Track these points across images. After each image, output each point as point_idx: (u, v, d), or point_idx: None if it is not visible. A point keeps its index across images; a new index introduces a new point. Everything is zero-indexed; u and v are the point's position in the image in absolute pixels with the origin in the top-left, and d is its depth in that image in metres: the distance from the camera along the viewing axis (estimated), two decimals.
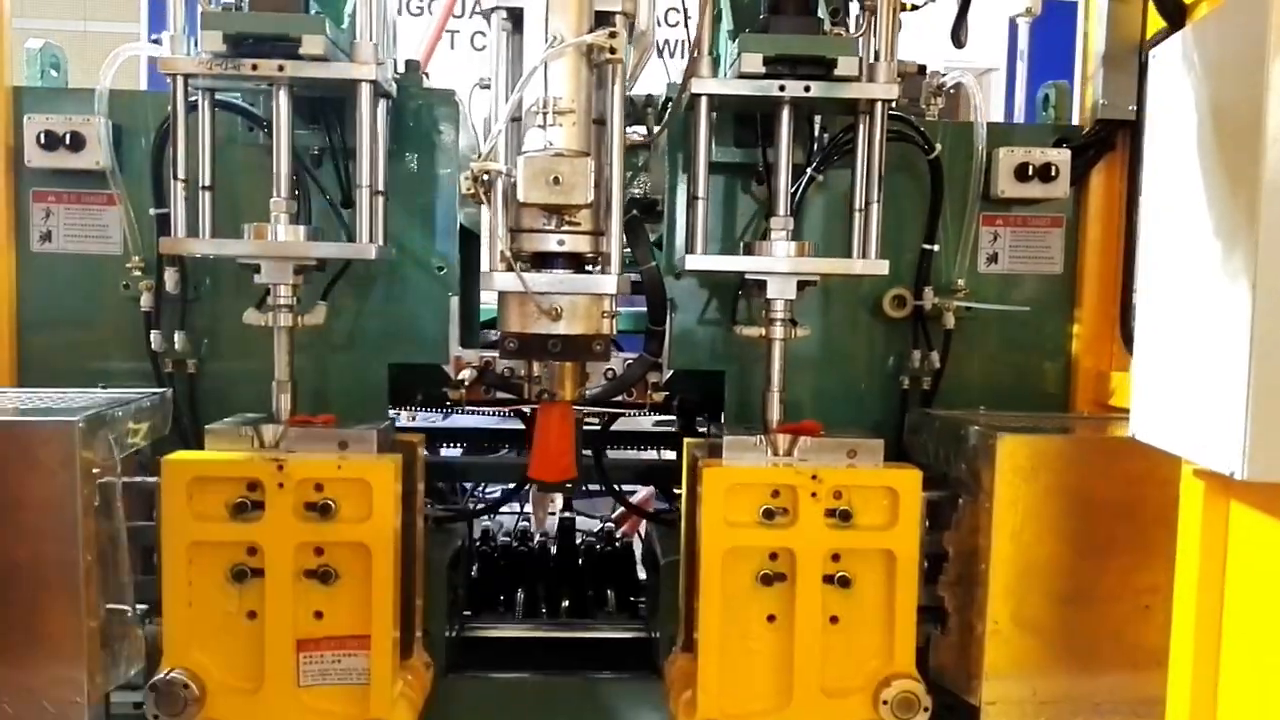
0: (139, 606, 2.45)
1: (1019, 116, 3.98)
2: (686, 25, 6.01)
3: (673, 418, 4.11)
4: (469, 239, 3.01)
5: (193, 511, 2.38)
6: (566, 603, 3.65)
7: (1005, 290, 3.10)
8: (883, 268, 2.57)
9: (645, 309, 2.80)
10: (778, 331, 2.60)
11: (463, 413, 4.56)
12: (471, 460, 4.66)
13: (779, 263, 2.53)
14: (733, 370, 3.02)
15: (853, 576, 2.48)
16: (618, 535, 4.46)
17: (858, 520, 2.47)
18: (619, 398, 2.98)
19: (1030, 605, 2.36)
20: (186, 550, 2.38)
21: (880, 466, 2.52)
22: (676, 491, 4.28)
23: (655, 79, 3.11)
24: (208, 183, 2.56)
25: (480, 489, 4.84)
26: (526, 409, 3.17)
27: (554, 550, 4.06)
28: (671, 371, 3.00)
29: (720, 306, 3.02)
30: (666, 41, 6.00)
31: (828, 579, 2.47)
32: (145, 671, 2.47)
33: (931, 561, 2.56)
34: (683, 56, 6.08)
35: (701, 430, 3.77)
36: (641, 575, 4.04)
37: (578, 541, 4.12)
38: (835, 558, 2.48)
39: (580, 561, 3.99)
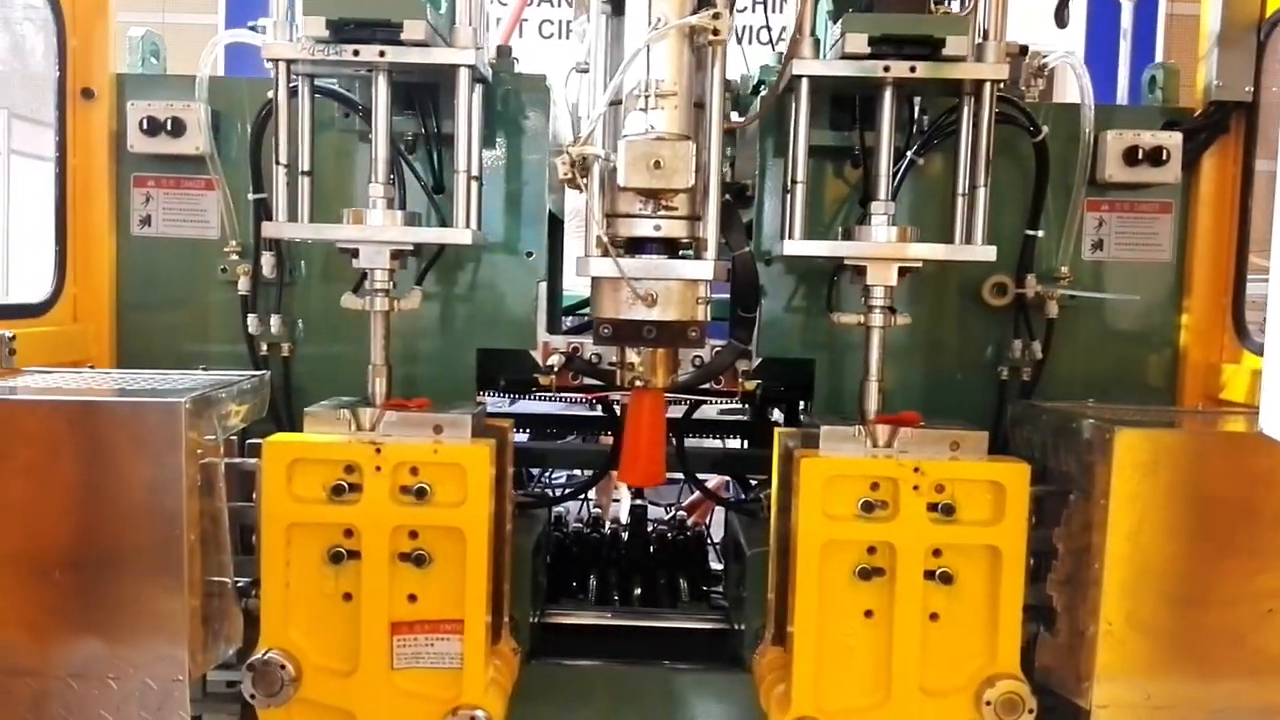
0: (238, 583, 2.48)
1: (1120, 100, 3.83)
2: (765, 10, 5.97)
3: (741, 406, 4.07)
4: (552, 225, 2.99)
5: (291, 493, 2.40)
6: (639, 591, 3.65)
7: (1110, 278, 3.00)
8: (990, 254, 2.49)
9: (729, 296, 2.77)
10: (876, 319, 2.54)
11: (530, 398, 4.58)
12: (550, 446, 4.67)
13: (883, 248, 2.47)
14: (823, 359, 2.97)
15: (955, 573, 2.41)
16: (689, 523, 4.42)
17: (961, 515, 2.40)
18: (707, 385, 2.94)
19: (1146, 606, 2.27)
20: (285, 531, 2.40)
21: (985, 459, 2.45)
22: (753, 480, 4.31)
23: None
24: (307, 168, 2.57)
25: (549, 474, 4.86)
26: (613, 396, 3.15)
27: (625, 537, 4.06)
28: (759, 360, 2.96)
29: (808, 293, 2.97)
30: (746, 27, 5.94)
31: (929, 575, 2.41)
32: (240, 652, 2.51)
33: (1037, 559, 2.48)
34: (753, 43, 6.05)
35: (774, 422, 3.74)
36: (714, 565, 4.04)
37: (649, 529, 4.12)
38: (937, 553, 2.41)
39: (652, 549, 3.99)
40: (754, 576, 2.95)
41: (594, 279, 2.46)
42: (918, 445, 2.47)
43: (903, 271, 2.51)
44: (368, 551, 2.40)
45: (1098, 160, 2.88)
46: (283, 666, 2.39)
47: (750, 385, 2.72)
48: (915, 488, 2.38)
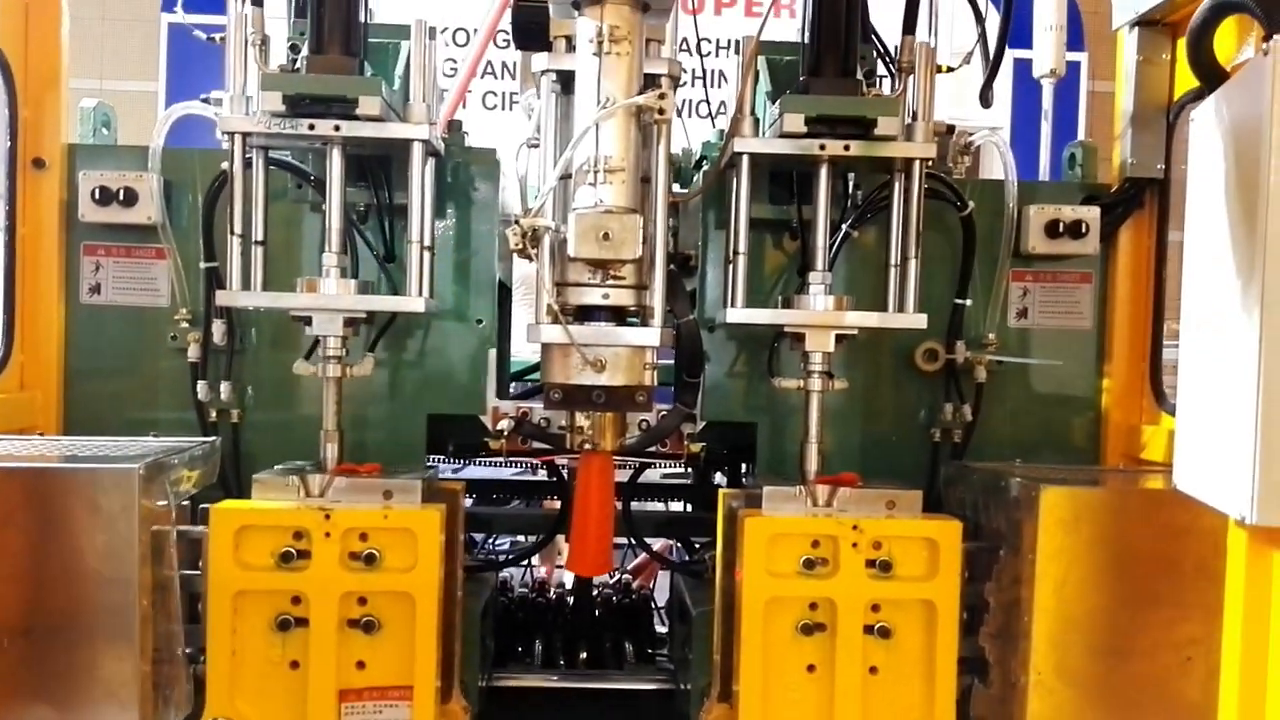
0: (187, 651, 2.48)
1: (1042, 175, 4.05)
2: (705, 85, 6.17)
3: (683, 470, 4.14)
4: (501, 293, 3.07)
5: (239, 560, 2.41)
6: (585, 654, 3.66)
7: (1034, 345, 3.15)
8: (921, 321, 2.62)
9: (673, 362, 2.86)
10: (815, 384, 2.65)
11: (476, 464, 4.62)
12: (495, 511, 4.69)
13: (820, 316, 2.58)
14: (764, 422, 3.07)
15: (893, 627, 2.50)
16: (634, 586, 4.45)
17: (898, 571, 2.50)
18: (653, 448, 3.02)
19: (1073, 657, 2.38)
20: (232, 599, 2.41)
21: (919, 517, 2.55)
22: (697, 543, 4.36)
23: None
24: (260, 238, 2.63)
25: (493, 540, 4.87)
26: (560, 460, 3.21)
27: (571, 601, 4.07)
28: (704, 423, 3.05)
29: (750, 359, 3.07)
30: (686, 101, 6.14)
31: (868, 629, 2.49)
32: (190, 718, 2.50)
33: (970, 613, 2.57)
34: (693, 116, 6.23)
35: (717, 484, 3.82)
36: (660, 627, 4.07)
37: (594, 593, 4.14)
38: (875, 608, 2.50)
39: (597, 613, 4.00)
40: (699, 635, 3.00)
41: (544, 345, 2.53)
42: (856, 504, 2.57)
43: (839, 338, 2.63)
44: (316, 618, 2.42)
45: (1021, 233, 3.04)
46: None
47: (695, 448, 2.81)
48: (854, 545, 2.47)
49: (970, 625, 2.58)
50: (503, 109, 7.25)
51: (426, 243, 2.65)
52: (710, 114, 5.28)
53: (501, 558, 4.20)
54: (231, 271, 2.59)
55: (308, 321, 2.59)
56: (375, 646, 2.46)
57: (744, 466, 3.76)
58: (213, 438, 2.85)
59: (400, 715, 2.47)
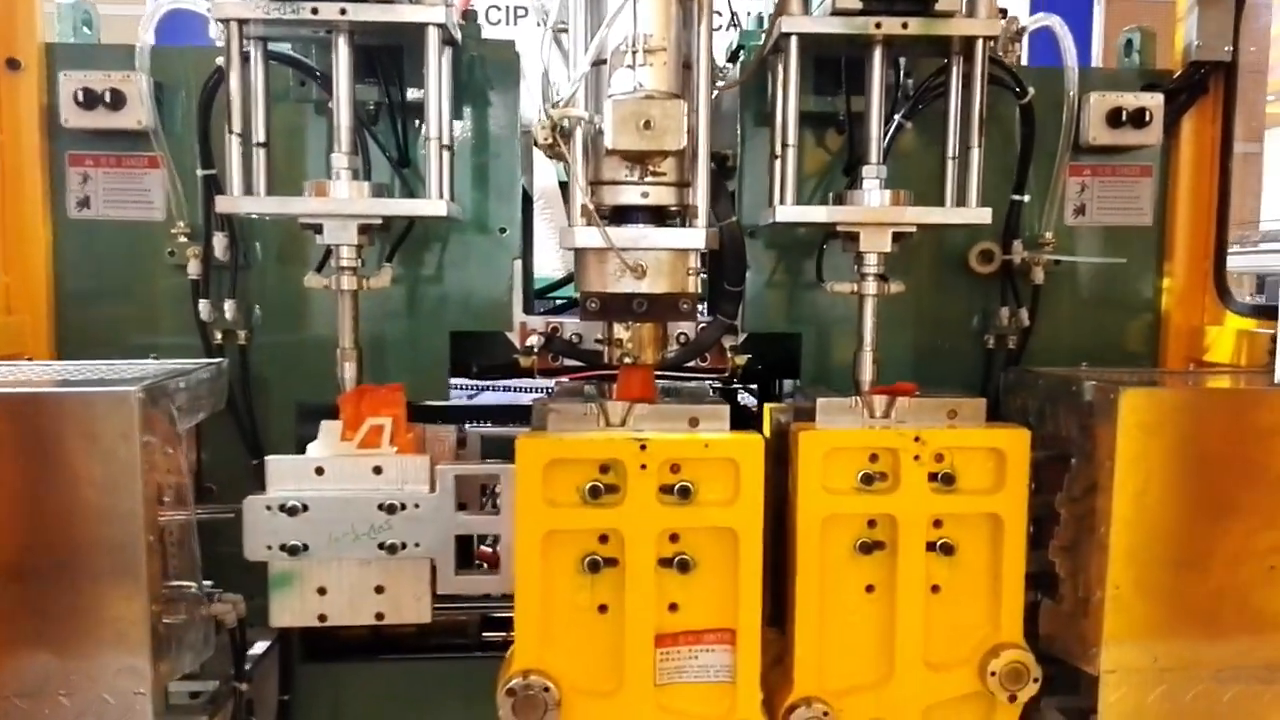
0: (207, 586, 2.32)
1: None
2: None
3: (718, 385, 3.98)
4: (523, 204, 2.86)
5: (548, 498, 2.20)
6: None
7: (1093, 243, 2.95)
8: (985, 216, 2.42)
9: (710, 271, 2.66)
10: (870, 287, 2.45)
11: (496, 389, 4.43)
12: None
13: (877, 213, 2.38)
14: (809, 333, 2.88)
15: (956, 543, 2.35)
16: None
17: (961, 484, 2.33)
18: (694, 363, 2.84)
19: (1152, 570, 2.22)
20: (542, 541, 2.20)
21: (984, 426, 2.38)
22: None
23: None
24: (263, 139, 2.41)
25: None
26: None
27: None
28: (745, 335, 2.86)
29: (791, 267, 2.88)
30: None
31: (930, 546, 2.34)
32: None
33: (1035, 525, 2.41)
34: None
35: (744, 405, 3.65)
36: None
37: None
38: (937, 524, 2.35)
39: None
40: None
41: (578, 251, 2.33)
42: (915, 415, 2.40)
43: (896, 238, 2.43)
44: (631, 558, 2.21)
45: (1081, 123, 2.82)
46: (545, 689, 2.22)
47: (740, 360, 2.61)
48: (915, 458, 2.30)
49: (1036, 539, 2.42)
50: (507, 23, 6.89)
51: (446, 141, 2.43)
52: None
53: None
54: (231, 176, 2.37)
55: (318, 230, 2.37)
56: (690, 587, 2.26)
57: (776, 384, 3.59)
58: (218, 359, 2.66)
59: (720, 661, 2.28)
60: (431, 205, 2.38)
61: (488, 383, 4.40)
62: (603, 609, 2.26)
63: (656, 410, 2.32)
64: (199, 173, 2.69)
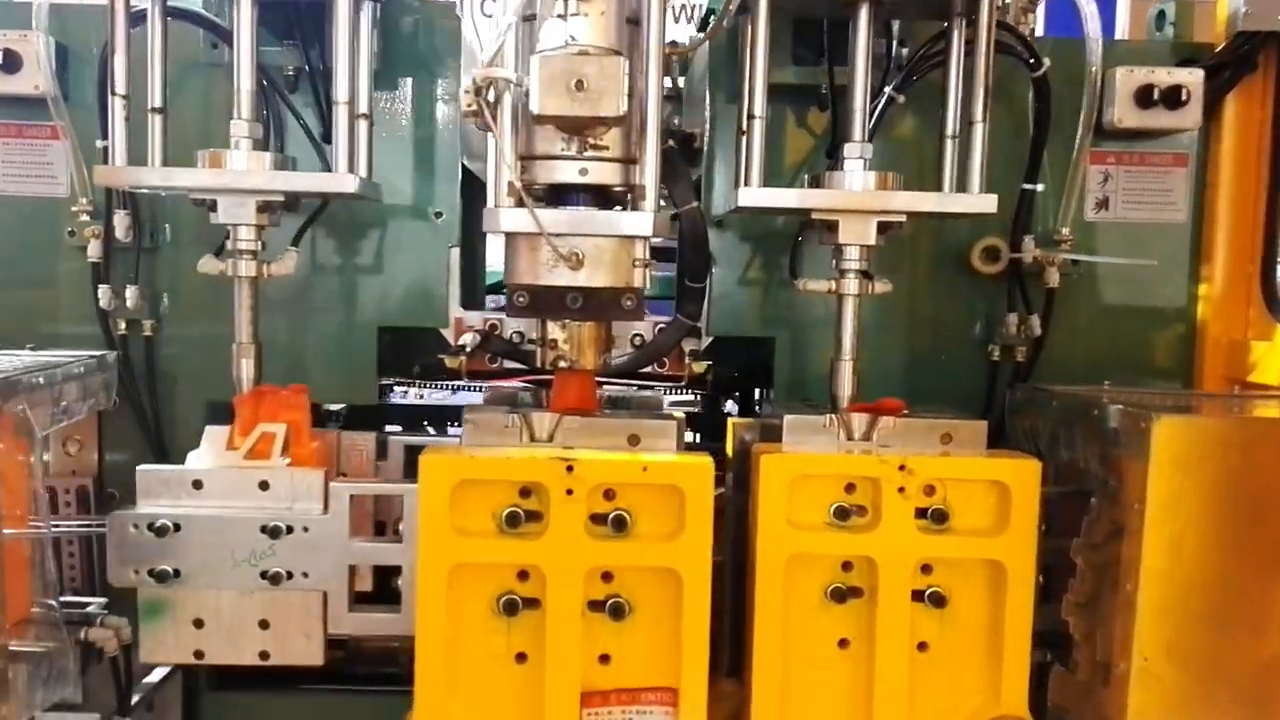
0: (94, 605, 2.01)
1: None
2: None
3: (691, 397, 3.64)
4: (472, 186, 2.53)
5: (456, 525, 1.86)
6: None
7: (1117, 242, 2.58)
8: (989, 204, 2.06)
9: (674, 268, 2.33)
10: (851, 285, 2.10)
11: (443, 388, 4.08)
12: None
13: (860, 198, 2.03)
14: (783, 337, 2.54)
15: (948, 593, 1.99)
16: None
17: (956, 522, 1.97)
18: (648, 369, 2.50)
19: (1189, 633, 1.84)
20: (448, 574, 1.86)
21: (984, 454, 2.02)
22: None
23: None
24: (158, 104, 2.10)
25: None
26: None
27: None
28: (710, 339, 2.52)
29: (766, 263, 2.54)
30: None
31: (917, 595, 1.98)
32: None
33: (1045, 574, 2.05)
34: None
35: (728, 413, 3.30)
36: None
37: None
38: (926, 569, 1.99)
39: None
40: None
41: (508, 238, 2.00)
42: (901, 438, 2.04)
43: (882, 228, 2.07)
44: (554, 599, 1.87)
45: (1105, 103, 2.45)
46: None
47: (699, 367, 2.27)
48: (900, 489, 1.94)
49: (1046, 591, 2.06)
50: None
51: (361, 109, 2.11)
52: None
53: None
54: (114, 143, 2.05)
55: (213, 207, 2.06)
56: (624, 635, 1.92)
57: (757, 393, 3.24)
58: (103, 352, 2.34)
59: None
60: (338, 180, 2.06)
61: (464, 384, 4.07)
62: (521, 658, 1.92)
63: (590, 425, 1.97)
64: (99, 144, 2.37)
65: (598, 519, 1.88)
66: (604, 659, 1.93)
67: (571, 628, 1.88)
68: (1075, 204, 2.51)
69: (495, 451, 1.90)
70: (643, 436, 1.96)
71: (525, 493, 1.87)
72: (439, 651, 1.87)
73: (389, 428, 3.05)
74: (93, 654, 2.10)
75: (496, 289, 3.17)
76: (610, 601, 1.89)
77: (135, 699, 2.36)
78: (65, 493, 2.48)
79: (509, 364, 2.44)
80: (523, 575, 1.89)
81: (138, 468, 1.97)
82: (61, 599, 2.14)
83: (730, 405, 3.38)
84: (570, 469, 1.84)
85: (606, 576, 1.91)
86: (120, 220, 2.41)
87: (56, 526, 1.98)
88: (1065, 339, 2.54)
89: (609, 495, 1.89)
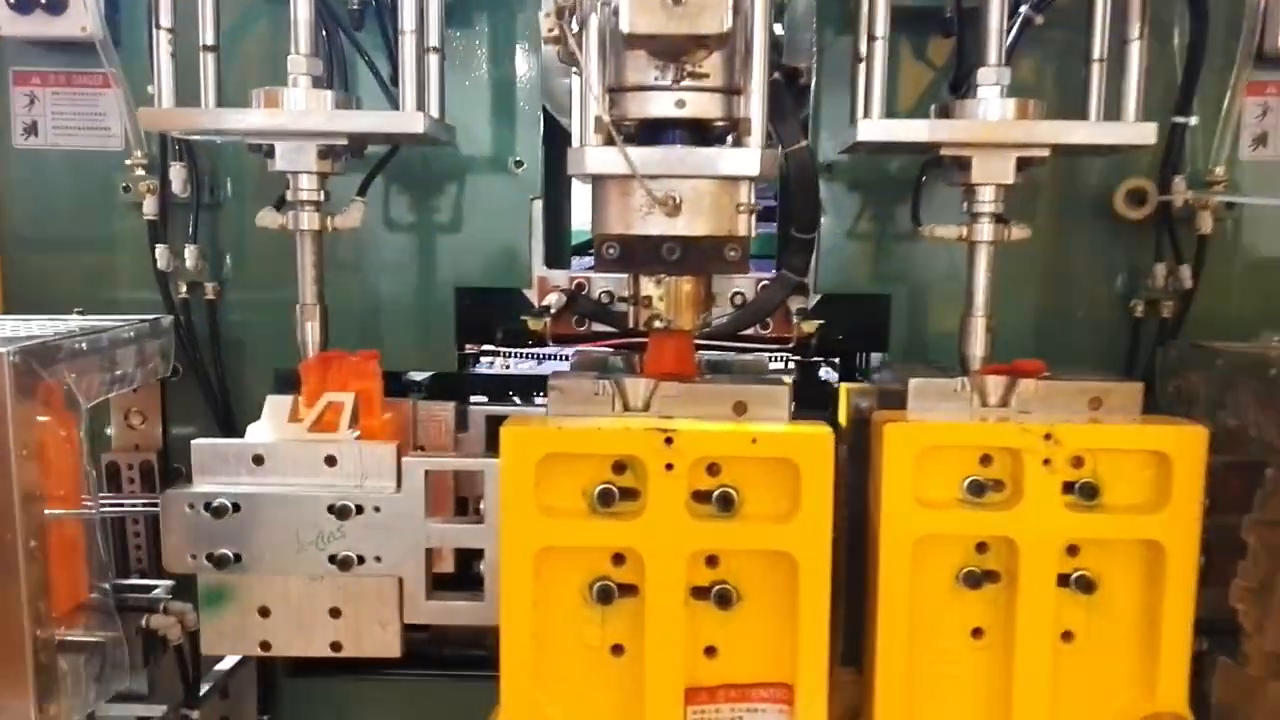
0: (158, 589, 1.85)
1: None
2: None
3: (780, 364, 3.40)
4: (555, 132, 2.32)
5: (542, 504, 1.67)
6: None
7: (1276, 182, 2.27)
8: (1149, 134, 1.79)
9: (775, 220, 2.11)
10: (985, 231, 1.85)
11: (558, 358, 3.89)
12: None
13: (998, 128, 1.77)
14: (900, 294, 2.29)
15: (1097, 577, 1.74)
16: None
17: (1107, 498, 1.72)
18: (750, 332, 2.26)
19: None
20: (534, 559, 1.67)
21: (1140, 420, 1.76)
22: None
23: None
24: (210, 41, 1.92)
25: None
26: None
27: None
28: (818, 297, 2.28)
29: (878, 212, 2.28)
30: None
31: (1063, 580, 1.74)
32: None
33: (1206, 555, 1.79)
34: None
35: (824, 380, 3.05)
36: None
37: None
38: (1073, 550, 1.75)
39: None
40: None
41: (595, 182, 1.78)
42: (1045, 403, 1.79)
43: (1020, 165, 1.82)
44: (653, 586, 1.67)
45: (1268, 26, 2.15)
46: None
47: (809, 328, 2.03)
48: (1046, 462, 1.70)
49: (1206, 573, 1.80)
50: None
51: (432, 41, 1.90)
52: None
53: None
54: (159, 83, 1.88)
55: (270, 154, 1.87)
56: (732, 626, 1.72)
57: (861, 359, 2.99)
58: (158, 315, 2.18)
59: None
60: (405, 119, 1.85)
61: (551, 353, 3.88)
62: (617, 650, 1.72)
63: (690, 391, 1.75)
64: (149, 90, 2.20)
65: (700, 497, 1.67)
66: (710, 651, 1.72)
67: (673, 617, 1.67)
68: (1231, 140, 2.22)
69: (585, 422, 1.69)
70: (750, 404, 1.74)
71: (619, 468, 1.67)
72: (526, 644, 1.67)
73: (473, 399, 2.90)
74: (156, 643, 1.96)
75: (584, 249, 2.97)
76: (716, 588, 1.68)
77: (206, 688, 2.20)
78: (129, 468, 2.34)
79: (598, 327, 2.22)
80: (618, 559, 1.69)
81: (193, 442, 1.80)
82: (121, 582, 2.02)
83: (826, 372, 3.14)
84: (669, 441, 1.63)
85: (711, 561, 1.69)
86: (177, 173, 2.24)
87: (115, 506, 1.82)
88: (1218, 292, 2.25)
89: (713, 470, 1.67)
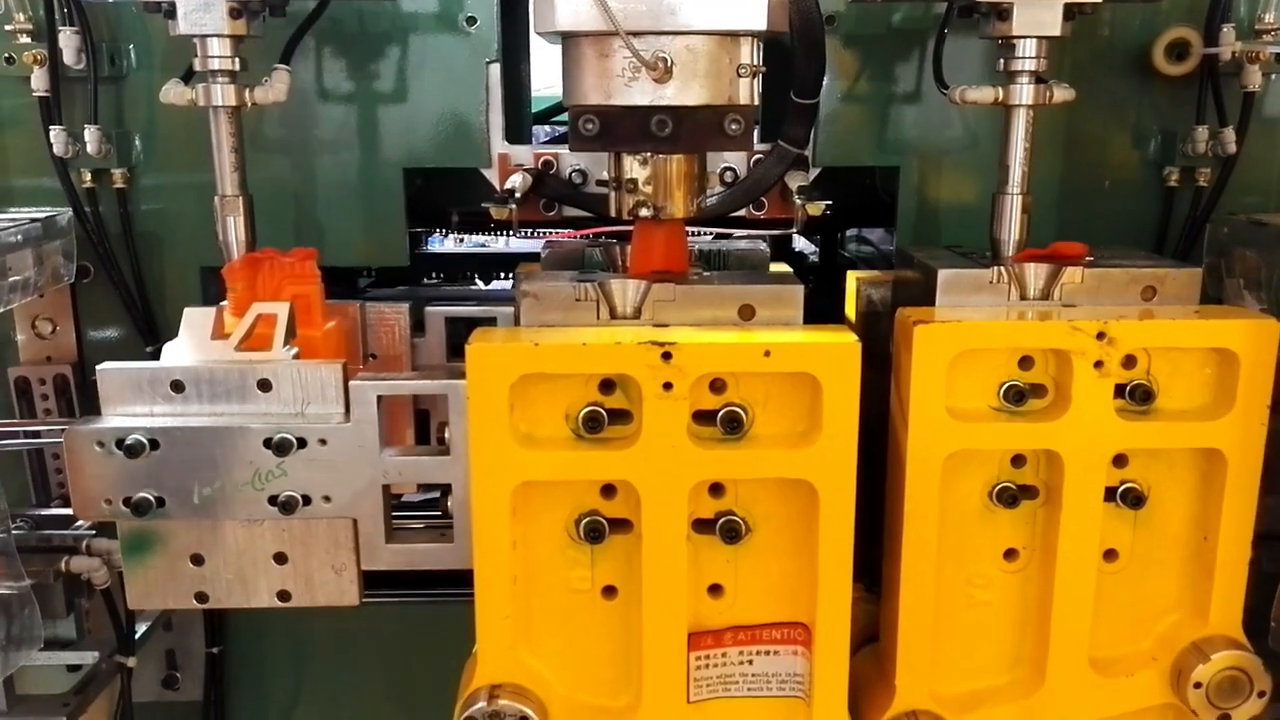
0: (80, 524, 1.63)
1: None
2: None
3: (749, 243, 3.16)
4: None
5: (518, 431, 1.41)
6: None
7: None
8: None
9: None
10: (1025, 93, 1.58)
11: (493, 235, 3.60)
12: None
13: None
14: (910, 167, 2.03)
15: (1147, 489, 1.55)
16: None
17: (1162, 402, 1.52)
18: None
19: None
20: (512, 495, 1.42)
21: (1201, 312, 1.54)
22: None
23: None
24: None
25: None
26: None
27: None
28: (818, 171, 2.02)
29: (881, 70, 2.00)
30: None
31: (1109, 494, 1.54)
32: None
33: (1267, 466, 1.60)
34: None
35: (800, 251, 2.80)
36: None
37: None
38: (1119, 461, 1.54)
39: None
40: None
41: (566, 41, 1.49)
42: (1092, 294, 1.57)
43: (1068, 13, 1.54)
44: (651, 521, 1.44)
45: None
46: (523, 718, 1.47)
47: (815, 209, 1.76)
48: (1098, 364, 1.47)
49: (1266, 483, 1.61)
50: None
51: None
52: None
53: None
54: None
55: (170, 13, 1.55)
56: (741, 562, 1.50)
57: (842, 235, 2.74)
58: (53, 210, 1.87)
59: (786, 668, 1.53)
60: None
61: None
62: (609, 592, 1.50)
63: (690, 294, 1.50)
64: None
65: (703, 417, 1.43)
66: (715, 590, 1.51)
67: (674, 555, 1.45)
68: None
69: (566, 335, 1.43)
70: (758, 307, 1.49)
71: (608, 386, 1.42)
72: (504, 592, 1.44)
73: (426, 282, 2.62)
74: (81, 585, 1.73)
75: (546, 117, 2.66)
76: (723, 520, 1.46)
77: (145, 627, 1.98)
78: (40, 384, 2.07)
79: (569, 211, 1.95)
80: (608, 490, 1.45)
81: (97, 367, 1.52)
82: (39, 513, 1.79)
83: (804, 243, 2.88)
84: (668, 356, 1.38)
85: (716, 489, 1.47)
86: (68, 40, 1.90)
87: (17, 435, 1.55)
88: (1263, 158, 2.02)
89: (717, 387, 1.43)
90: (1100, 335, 1.46)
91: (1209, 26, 1.92)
